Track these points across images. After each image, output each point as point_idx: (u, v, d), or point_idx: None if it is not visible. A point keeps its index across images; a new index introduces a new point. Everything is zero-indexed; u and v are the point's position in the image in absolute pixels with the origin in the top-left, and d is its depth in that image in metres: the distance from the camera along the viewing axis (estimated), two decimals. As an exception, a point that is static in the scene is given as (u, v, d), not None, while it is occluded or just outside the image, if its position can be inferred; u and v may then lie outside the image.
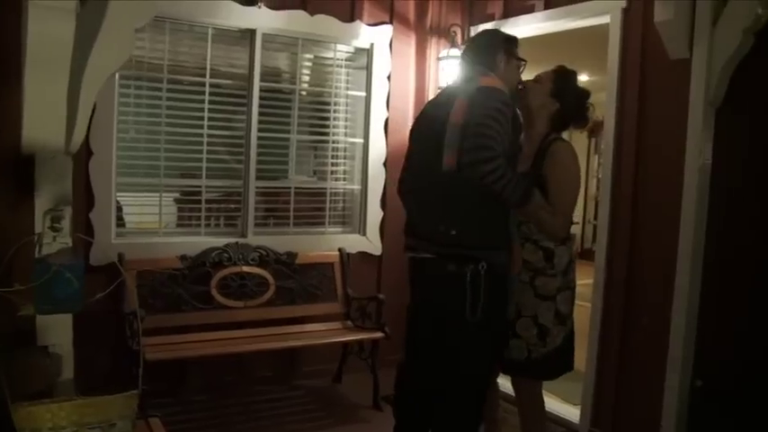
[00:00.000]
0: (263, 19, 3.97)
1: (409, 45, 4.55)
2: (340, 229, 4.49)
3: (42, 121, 1.74)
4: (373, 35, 4.38)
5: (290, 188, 4.30)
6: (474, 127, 2.33)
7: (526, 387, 2.82)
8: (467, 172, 2.30)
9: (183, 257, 3.78)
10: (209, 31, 3.88)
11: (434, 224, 2.48)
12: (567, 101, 2.76)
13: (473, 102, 2.40)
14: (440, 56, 4.54)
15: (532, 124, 2.78)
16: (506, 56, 2.65)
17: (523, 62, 2.72)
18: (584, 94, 2.81)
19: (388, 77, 4.47)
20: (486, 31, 2.85)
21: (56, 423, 1.56)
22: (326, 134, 4.45)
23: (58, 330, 1.79)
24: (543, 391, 2.87)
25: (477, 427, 2.62)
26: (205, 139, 3.93)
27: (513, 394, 2.92)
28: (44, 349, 1.79)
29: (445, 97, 2.63)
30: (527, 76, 2.85)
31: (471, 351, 2.50)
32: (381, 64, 4.44)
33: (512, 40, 2.72)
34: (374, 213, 4.49)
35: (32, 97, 1.71)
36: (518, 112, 2.60)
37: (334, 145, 4.47)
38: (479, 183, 2.30)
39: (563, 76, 2.79)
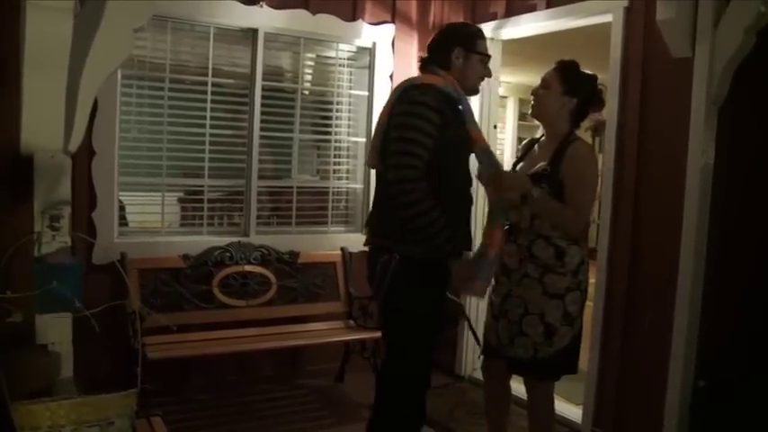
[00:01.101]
0: (265, 18, 3.98)
1: (411, 44, 4.55)
2: (342, 229, 4.49)
3: (41, 120, 1.74)
4: (375, 34, 4.38)
5: (292, 187, 4.30)
6: (394, 135, 2.43)
7: (540, 388, 2.80)
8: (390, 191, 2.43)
9: (185, 257, 3.79)
10: (212, 31, 3.88)
11: (370, 216, 2.80)
12: (582, 93, 2.76)
13: (397, 101, 2.52)
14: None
15: (553, 125, 2.78)
16: (465, 51, 2.59)
17: (486, 56, 2.66)
18: (593, 79, 2.80)
19: (391, 76, 4.47)
20: (444, 27, 2.83)
21: (54, 421, 1.56)
22: (329, 133, 4.45)
23: (57, 329, 1.79)
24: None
25: (410, 422, 2.66)
26: (207, 139, 3.94)
27: (521, 395, 2.91)
28: (43, 348, 1.79)
29: None
30: (532, 76, 2.84)
31: (391, 337, 2.64)
32: (384, 63, 4.44)
33: (470, 35, 2.65)
34: (376, 212, 4.48)
35: (31, 97, 1.71)
36: (462, 105, 2.58)
37: (337, 144, 4.48)
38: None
39: (569, 72, 2.77)
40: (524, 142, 3.06)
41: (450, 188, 2.49)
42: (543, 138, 2.88)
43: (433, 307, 2.58)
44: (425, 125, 2.38)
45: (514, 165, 2.93)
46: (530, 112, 2.88)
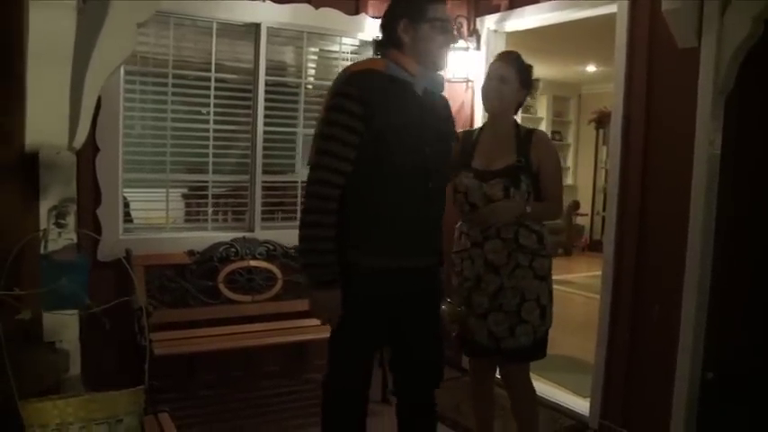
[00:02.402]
0: (267, 13, 3.96)
1: (415, 37, 4.52)
2: (347, 223, 4.47)
3: (46, 118, 1.74)
4: (378, 28, 4.36)
5: (297, 182, 4.29)
6: (316, 132, 2.29)
7: (521, 372, 2.84)
8: None
9: (190, 252, 3.79)
10: (214, 26, 3.87)
11: None
12: (531, 85, 2.85)
13: (329, 93, 2.31)
14: (446, 48, 4.51)
15: (506, 116, 2.82)
16: (411, 22, 2.25)
17: (439, 21, 2.26)
18: (532, 68, 2.85)
19: (394, 70, 4.45)
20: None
21: (63, 419, 1.56)
22: (333, 128, 4.43)
23: (64, 326, 1.79)
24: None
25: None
26: (211, 134, 3.94)
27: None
28: (51, 345, 1.79)
29: None
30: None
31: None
32: (387, 57, 4.42)
33: (415, 1, 2.28)
34: (381, 207, 4.47)
35: (35, 94, 1.70)
36: (420, 86, 2.30)
37: (341, 138, 4.45)
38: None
39: (522, 65, 2.81)
40: (462, 136, 2.90)
41: (390, 183, 2.25)
42: (485, 128, 2.91)
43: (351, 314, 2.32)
44: (346, 119, 2.17)
45: (465, 161, 2.81)
46: (486, 106, 2.86)
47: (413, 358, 2.51)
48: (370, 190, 2.25)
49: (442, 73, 2.47)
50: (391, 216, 2.28)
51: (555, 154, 2.84)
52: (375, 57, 2.40)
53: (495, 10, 4.30)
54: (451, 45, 2.38)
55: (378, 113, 2.17)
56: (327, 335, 3.92)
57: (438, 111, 2.42)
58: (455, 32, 2.34)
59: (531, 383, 2.88)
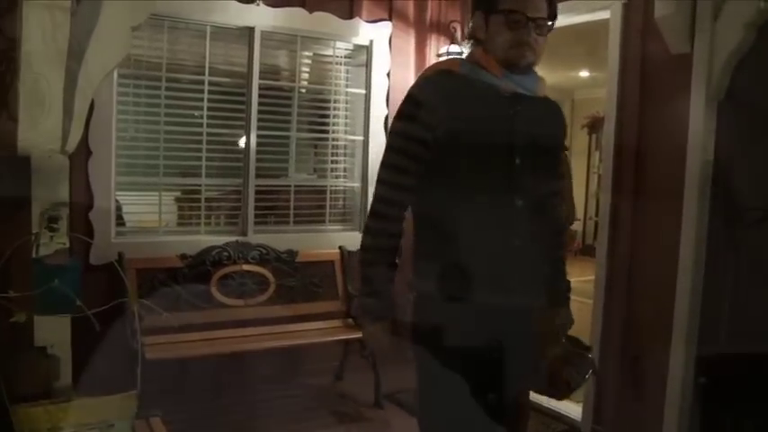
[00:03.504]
0: (261, 16, 3.96)
1: (409, 42, 4.53)
2: (340, 227, 4.48)
3: (39, 120, 1.73)
4: (372, 32, 4.37)
5: (290, 186, 4.29)
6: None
7: None
8: None
9: (182, 256, 3.77)
10: (208, 29, 3.86)
11: None
12: None
13: None
14: (440, 52, 4.51)
15: None
16: (483, 15, 1.90)
17: (510, 13, 1.83)
18: None
19: (388, 74, 4.46)
20: None
21: (54, 424, 1.56)
22: (326, 132, 4.44)
23: (56, 331, 1.78)
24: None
25: None
26: (204, 138, 3.92)
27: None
28: (42, 350, 1.78)
29: None
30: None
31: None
32: (381, 61, 4.42)
33: None
34: (375, 211, 4.46)
35: (28, 97, 1.70)
36: (501, 87, 1.90)
37: (334, 142, 4.46)
38: None
39: None
40: None
41: (464, 199, 1.89)
42: None
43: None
44: (408, 128, 1.91)
45: None
46: None
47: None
48: (442, 209, 1.92)
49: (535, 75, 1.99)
50: (464, 241, 1.89)
51: (565, 158, 2.89)
52: (455, 57, 2.19)
53: (489, 15, 4.30)
54: (530, 41, 1.86)
55: (445, 118, 1.85)
56: (320, 340, 3.95)
57: (537, 116, 1.96)
58: (537, 27, 1.88)
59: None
